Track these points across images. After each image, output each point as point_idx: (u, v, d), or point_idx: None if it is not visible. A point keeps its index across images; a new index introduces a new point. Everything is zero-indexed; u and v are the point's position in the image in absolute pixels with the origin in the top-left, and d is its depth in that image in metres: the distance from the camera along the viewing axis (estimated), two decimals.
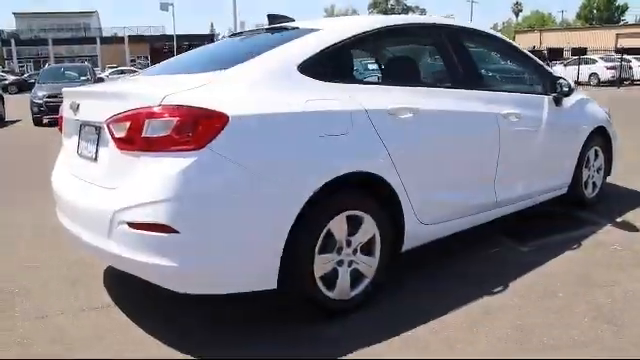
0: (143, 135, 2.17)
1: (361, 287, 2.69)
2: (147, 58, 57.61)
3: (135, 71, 39.31)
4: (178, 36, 47.13)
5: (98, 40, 53.65)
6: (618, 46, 34.71)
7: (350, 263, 2.64)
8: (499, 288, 2.94)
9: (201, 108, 2.16)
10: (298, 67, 2.50)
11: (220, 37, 67.22)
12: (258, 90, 2.36)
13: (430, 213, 2.92)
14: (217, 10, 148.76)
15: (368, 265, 2.70)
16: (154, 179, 2.15)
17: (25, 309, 2.85)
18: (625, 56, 24.39)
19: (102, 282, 3.15)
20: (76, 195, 2.55)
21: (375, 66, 3.03)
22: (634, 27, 46.89)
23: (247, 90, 2.33)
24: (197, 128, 2.14)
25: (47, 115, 12.64)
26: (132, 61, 52.71)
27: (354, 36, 2.79)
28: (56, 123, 12.82)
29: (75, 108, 2.57)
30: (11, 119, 14.26)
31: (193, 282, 2.25)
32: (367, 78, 2.89)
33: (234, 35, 3.63)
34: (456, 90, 3.17)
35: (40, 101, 12.61)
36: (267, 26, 3.24)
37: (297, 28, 2.90)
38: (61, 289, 3.09)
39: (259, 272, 2.32)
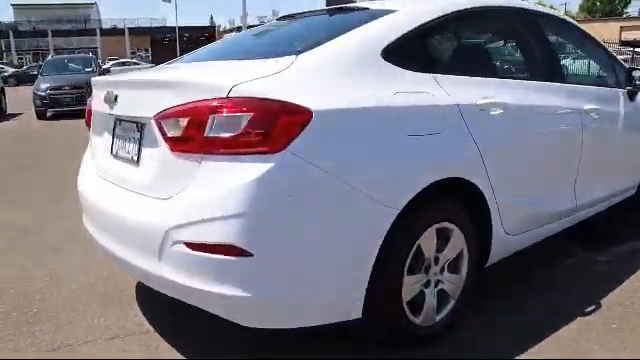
0: (206, 134, 1.76)
1: (446, 310, 2.31)
2: (147, 50, 57.23)
3: (138, 63, 38.99)
4: (180, 28, 46.56)
5: (98, 32, 53.04)
6: (622, 38, 34.27)
7: (437, 283, 2.26)
8: (591, 307, 2.59)
9: (280, 101, 1.76)
10: (382, 53, 2.09)
11: (222, 29, 66.80)
12: (338, 80, 1.94)
13: (516, 221, 2.55)
14: (215, 2, 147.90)
15: (454, 284, 2.33)
16: (220, 189, 1.74)
17: (45, 335, 2.46)
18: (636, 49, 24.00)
19: (137, 302, 2.76)
20: (112, 205, 2.15)
21: (456, 54, 2.61)
22: (638, 20, 46.44)
23: (326, 80, 1.92)
24: (275, 126, 1.73)
25: (51, 108, 12.21)
26: (132, 53, 52.18)
27: (438, 18, 2.38)
28: (61, 116, 12.35)
29: (111, 100, 2.15)
30: (13, 112, 13.82)
31: (267, 315, 1.85)
32: (449, 67, 2.48)
33: (283, 18, 3.20)
34: (540, 83, 2.78)
35: (43, 94, 12.15)
36: (326, 7, 2.82)
37: (367, 9, 2.49)
38: (89, 310, 2.69)
39: (344, 300, 1.93)
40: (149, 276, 1.96)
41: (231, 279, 1.75)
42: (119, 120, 2.25)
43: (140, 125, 2.07)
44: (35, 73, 19.99)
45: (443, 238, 2.22)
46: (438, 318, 2.28)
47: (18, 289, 2.96)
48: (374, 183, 1.90)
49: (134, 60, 39.48)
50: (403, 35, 2.20)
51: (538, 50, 2.94)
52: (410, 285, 2.12)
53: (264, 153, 1.73)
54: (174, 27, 47.29)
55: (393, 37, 2.16)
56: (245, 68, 2.02)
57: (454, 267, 2.32)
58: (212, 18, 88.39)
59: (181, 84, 1.90)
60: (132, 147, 2.13)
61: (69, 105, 12.14)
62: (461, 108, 2.19)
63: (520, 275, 2.98)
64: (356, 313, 1.96)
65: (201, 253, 1.76)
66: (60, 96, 12.08)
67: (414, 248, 2.08)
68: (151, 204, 1.92)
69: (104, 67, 16.75)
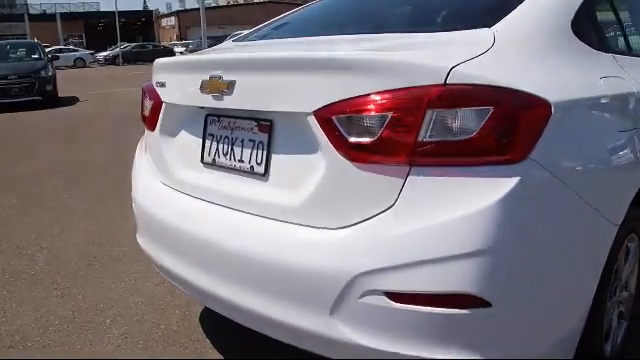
0: (419, 138, 1.22)
1: (622, 332, 1.91)
2: (82, 37, 53.96)
3: (76, 50, 36.48)
4: (114, 12, 43.85)
5: (26, 17, 49.27)
6: None
7: (619, 304, 1.84)
8: None
9: (521, 92, 1.24)
10: (571, 25, 1.60)
11: (159, 13, 63.98)
12: (542, 61, 1.44)
13: None
14: None
15: (627, 303, 1.94)
16: (443, 217, 1.21)
17: None
18: None
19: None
20: (220, 233, 1.56)
21: (624, 28, 2.14)
22: None
23: (530, 61, 1.41)
24: (518, 125, 1.22)
25: None
26: (65, 40, 48.98)
27: None
28: (6, 108, 11.15)
29: (218, 88, 1.53)
30: None
31: None
32: (620, 45, 2.02)
33: None
34: None
35: None
36: None
37: None
38: None
39: (569, 342, 1.46)
40: (302, 334, 1.40)
41: (456, 338, 1.23)
42: (217, 116, 1.65)
43: (267, 124, 1.49)
44: None
45: (626, 252, 1.81)
46: (618, 343, 1.87)
47: None
48: (602, 195, 1.43)
49: (70, 47, 37.01)
50: (585, 2, 1.72)
51: None
52: (610, 309, 1.70)
53: (503, 163, 1.22)
54: (108, 12, 44.60)
55: (576, 4, 1.67)
56: (436, 42, 1.46)
57: (626, 284, 1.91)
58: (145, 2, 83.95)
59: (363, 65, 1.31)
60: (251, 153, 1.54)
61: (16, 96, 10.90)
62: None
63: None
64: (570, 351, 1.49)
65: (411, 306, 1.23)
66: (6, 86, 10.80)
67: (615, 265, 1.66)
68: (311, 237, 1.36)
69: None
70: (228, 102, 1.53)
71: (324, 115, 1.32)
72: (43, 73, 11.32)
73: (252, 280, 1.48)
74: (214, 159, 1.67)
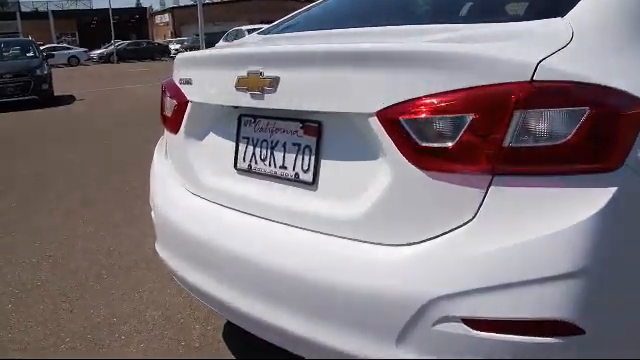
0: (504, 143, 1.06)
1: None
2: (74, 35, 53.50)
3: (70, 48, 36.03)
4: (107, 10, 43.38)
5: (18, 15, 48.74)
6: None
7: None
8: None
9: (617, 90, 1.08)
10: None
11: (152, 10, 63.42)
12: (630, 53, 1.27)
13: None
14: None
15: None
16: (533, 233, 1.05)
17: None
18: None
19: None
20: (260, 248, 1.39)
21: None
22: None
23: (623, 54, 1.24)
24: (616, 128, 1.06)
25: None
26: (58, 38, 48.53)
27: None
28: (1, 107, 10.98)
29: (258, 85, 1.35)
30: None
31: None
32: None
33: None
34: None
35: None
36: None
37: None
38: None
39: None
40: None
41: None
42: (253, 116, 1.48)
43: (316, 125, 1.32)
44: None
45: None
46: None
47: None
48: None
49: (64, 45, 36.60)
50: None
51: None
52: None
53: (599, 171, 1.05)
54: (101, 9, 44.15)
55: None
56: (507, 34, 1.29)
57: None
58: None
59: (440, 58, 1.13)
60: (296, 158, 1.37)
61: (11, 95, 10.66)
62: None
63: None
64: None
65: (493, 334, 1.07)
66: (1, 86, 10.54)
67: None
68: (373, 254, 1.19)
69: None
70: (270, 101, 1.35)
71: (390, 116, 1.15)
72: (38, 72, 11.09)
73: (298, 302, 1.31)
74: (250, 165, 1.49)
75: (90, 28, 54.52)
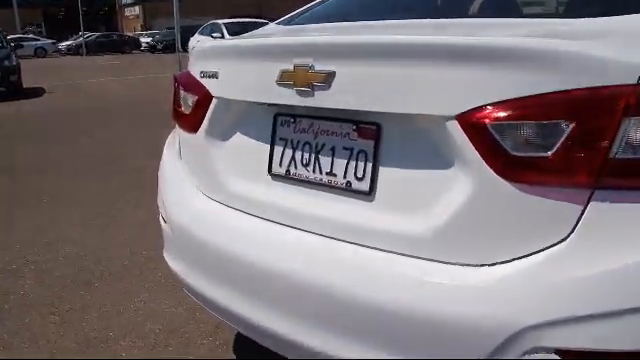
0: (612, 153, 0.92)
1: None
2: (40, 26, 51.82)
3: (37, 39, 34.79)
4: (74, 1, 42.05)
5: None
6: None
7: None
8: None
9: None
10: None
11: (123, 2, 61.91)
12: None
13: None
14: None
15: None
16: (639, 254, 0.92)
17: None
18: None
19: None
20: (302, 265, 1.22)
21: None
22: None
23: None
24: None
25: None
26: (22, 29, 46.84)
27: None
28: None
29: (306, 81, 1.18)
30: None
31: None
32: None
33: None
34: None
35: None
36: None
37: None
38: None
39: None
40: None
41: None
42: (292, 116, 1.31)
43: (374, 127, 1.17)
44: None
45: None
46: None
47: None
48: None
49: (31, 36, 35.32)
50: None
51: None
52: None
53: None
54: (69, 0, 42.78)
55: None
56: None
57: None
58: None
59: (535, 55, 0.97)
60: (347, 165, 1.21)
61: None
62: None
63: None
64: None
65: None
66: None
67: None
68: (449, 275, 1.04)
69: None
70: (321, 99, 1.19)
71: (474, 121, 1.00)
72: (7, 62, 10.59)
73: (353, 328, 1.15)
74: (288, 170, 1.33)
75: (57, 19, 52.95)
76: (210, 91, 1.47)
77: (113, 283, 2.65)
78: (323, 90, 1.17)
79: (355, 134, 1.21)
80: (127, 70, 18.01)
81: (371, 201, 1.19)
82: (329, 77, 1.16)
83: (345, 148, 1.23)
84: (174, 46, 31.94)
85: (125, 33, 46.14)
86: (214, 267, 1.45)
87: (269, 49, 1.33)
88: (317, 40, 1.24)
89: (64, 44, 35.62)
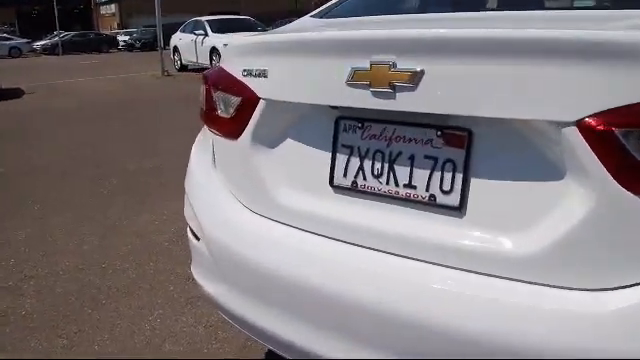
0: None
1: None
2: (14, 25, 50.49)
3: (11, 38, 33.79)
4: None
5: None
6: None
7: None
8: None
9: None
10: None
11: (98, 0, 60.73)
12: None
13: None
14: None
15: None
16: None
17: None
18: None
19: None
20: (376, 290, 1.06)
21: None
22: None
23: None
24: None
25: None
26: None
27: None
28: None
29: (388, 83, 1.01)
30: None
31: None
32: None
33: None
34: None
35: None
36: None
37: None
38: None
39: None
40: None
41: None
42: (360, 120, 1.15)
43: (465, 133, 1.01)
44: None
45: None
46: None
47: None
48: None
49: (4, 35, 34.30)
50: None
51: None
52: None
53: None
54: None
55: None
56: None
57: None
58: None
59: None
60: (431, 176, 1.05)
61: None
62: None
63: None
64: None
65: None
66: None
67: None
68: (568, 302, 0.89)
69: None
70: (404, 102, 1.03)
71: (599, 126, 0.85)
72: None
73: None
74: (355, 182, 1.17)
75: (31, 18, 51.64)
76: (256, 92, 1.30)
77: (122, 299, 2.46)
78: (408, 91, 1.01)
79: (440, 141, 1.06)
80: (107, 69, 17.57)
81: (461, 217, 1.04)
82: (416, 76, 1.00)
83: (427, 157, 1.07)
84: (153, 44, 31.61)
85: (102, 32, 45.26)
86: (265, 291, 1.28)
87: (337, 44, 1.15)
88: (400, 34, 1.07)
89: (39, 43, 34.71)
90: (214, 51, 13.79)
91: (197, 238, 1.52)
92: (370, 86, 1.05)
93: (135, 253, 2.94)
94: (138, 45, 32.84)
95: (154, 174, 4.58)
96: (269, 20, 19.03)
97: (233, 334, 2.09)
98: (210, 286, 1.48)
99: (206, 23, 14.85)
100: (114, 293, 2.52)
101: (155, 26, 22.82)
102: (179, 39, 15.96)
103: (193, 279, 1.59)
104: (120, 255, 2.94)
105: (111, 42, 35.62)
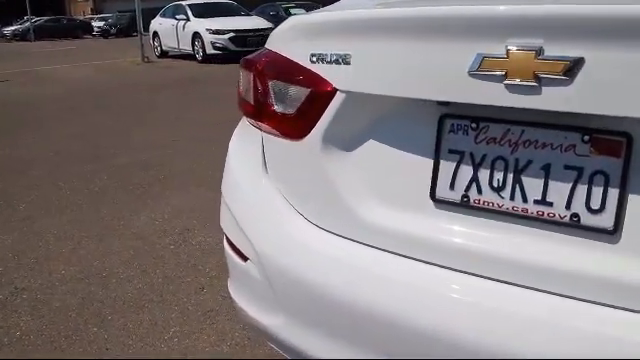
0: None
1: None
2: None
3: None
4: None
5: None
6: None
7: None
8: None
9: None
10: None
11: None
12: None
13: None
14: None
15: None
16: None
17: None
18: None
19: None
20: (501, 332, 0.85)
21: None
22: None
23: None
24: None
25: None
26: None
27: None
28: None
29: (533, 74, 0.78)
30: None
31: None
32: None
33: None
34: None
35: None
36: None
37: None
38: None
39: None
40: None
41: None
42: (474, 119, 0.92)
43: (623, 139, 0.80)
44: None
45: None
46: None
47: None
48: None
49: None
50: None
51: None
52: None
53: None
54: None
55: None
56: None
57: None
58: None
59: None
60: (573, 190, 0.84)
61: None
62: None
63: None
64: None
65: None
66: None
67: None
68: None
69: None
70: (553, 99, 0.79)
71: None
72: None
73: None
74: (466, 196, 0.94)
75: (2, 4, 49.81)
76: (332, 82, 1.06)
77: (130, 314, 2.20)
78: (560, 86, 0.78)
79: (587, 147, 0.83)
80: (85, 56, 16.92)
81: (615, 242, 0.82)
82: (574, 67, 0.77)
83: (568, 167, 0.85)
84: (128, 30, 30.67)
85: (75, 17, 43.89)
86: (341, 327, 1.05)
87: (456, 23, 0.89)
88: (550, 10, 0.84)
89: (9, 29, 33.51)
90: (196, 36, 13.39)
91: (243, 257, 1.28)
92: (506, 77, 0.83)
93: (139, 259, 2.68)
94: (113, 31, 31.89)
95: (148, 167, 4.29)
96: (252, 5, 18.57)
97: (264, 352, 1.87)
98: (264, 317, 1.24)
99: (187, 7, 14.37)
100: (120, 307, 2.26)
101: (131, 11, 22.09)
102: (159, 24, 15.44)
103: (230, 299, 1.37)
104: (121, 262, 2.67)
105: (86, 28, 34.56)
